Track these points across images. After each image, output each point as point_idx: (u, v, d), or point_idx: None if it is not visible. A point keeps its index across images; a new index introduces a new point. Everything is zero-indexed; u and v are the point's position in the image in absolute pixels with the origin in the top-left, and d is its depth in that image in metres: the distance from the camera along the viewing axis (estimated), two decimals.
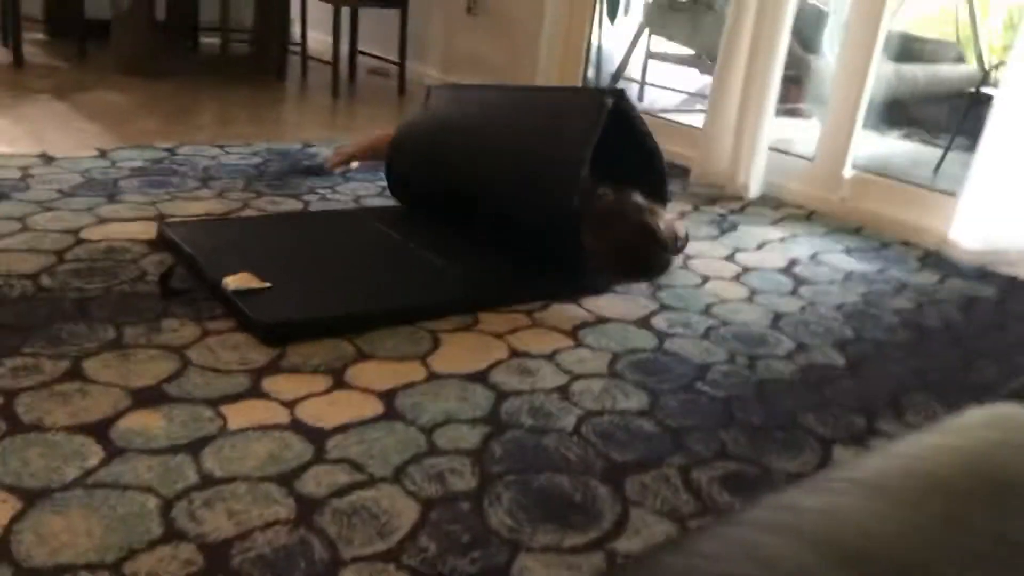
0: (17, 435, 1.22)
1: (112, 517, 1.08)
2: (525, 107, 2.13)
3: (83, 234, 1.96)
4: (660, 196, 2.00)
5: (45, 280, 1.71)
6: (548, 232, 1.91)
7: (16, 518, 1.06)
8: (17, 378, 1.36)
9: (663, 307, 1.91)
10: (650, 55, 4.63)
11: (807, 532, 0.43)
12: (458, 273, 1.90)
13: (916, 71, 4.12)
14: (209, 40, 4.48)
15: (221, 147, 2.81)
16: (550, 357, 1.63)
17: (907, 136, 4.27)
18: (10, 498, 1.09)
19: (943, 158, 3.49)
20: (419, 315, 1.71)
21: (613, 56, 4.45)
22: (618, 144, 1.95)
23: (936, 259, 2.41)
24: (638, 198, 1.87)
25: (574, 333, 1.74)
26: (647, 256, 1.86)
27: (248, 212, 2.23)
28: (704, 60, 4.41)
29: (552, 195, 1.88)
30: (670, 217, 1.91)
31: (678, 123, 3.41)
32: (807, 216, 2.74)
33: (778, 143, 2.91)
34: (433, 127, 2.26)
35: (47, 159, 2.48)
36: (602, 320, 1.81)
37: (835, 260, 2.34)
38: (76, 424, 1.26)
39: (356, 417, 1.35)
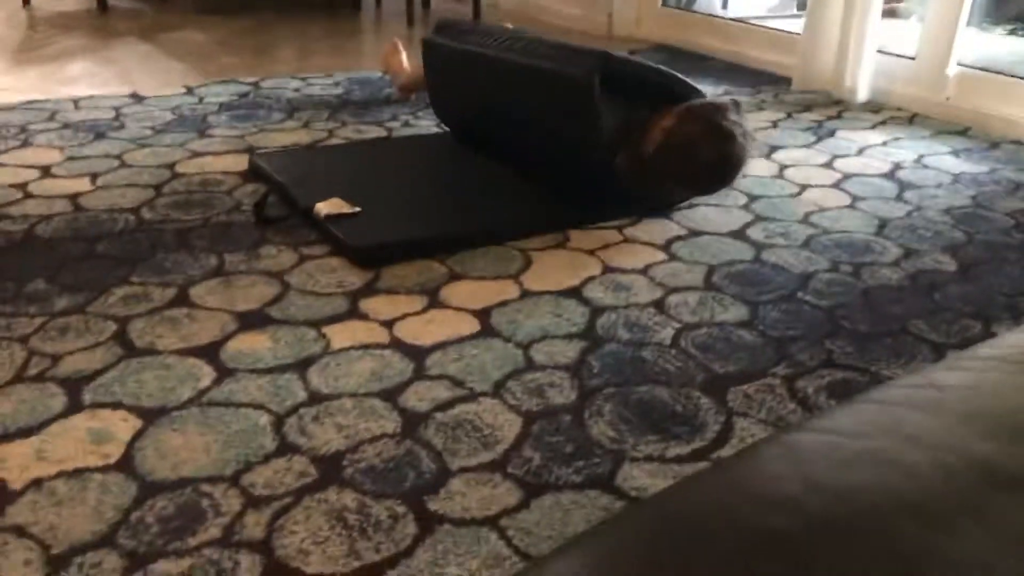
0: (132, 359, 1.27)
1: (227, 433, 1.11)
2: (519, 98, 1.97)
3: (178, 168, 2.01)
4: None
5: (146, 213, 1.76)
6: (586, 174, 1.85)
7: (137, 436, 1.10)
8: (128, 306, 1.41)
9: (758, 218, 1.85)
10: None
11: (953, 407, 0.40)
12: (545, 192, 1.88)
13: None
14: None
15: (303, 79, 2.82)
16: (643, 272, 1.60)
17: (1013, 32, 3.98)
18: (130, 417, 1.14)
19: None
20: (510, 234, 1.70)
21: None
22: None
23: None
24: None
25: (667, 247, 1.70)
26: (724, 155, 1.74)
27: (334, 141, 2.24)
28: None
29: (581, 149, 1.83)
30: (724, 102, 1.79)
31: (770, 29, 3.25)
32: (909, 119, 2.60)
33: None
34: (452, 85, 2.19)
35: (138, 98, 2.53)
36: (695, 233, 1.77)
37: (941, 163, 2.22)
38: (187, 347, 1.30)
39: (453, 335, 1.36)
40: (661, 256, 1.66)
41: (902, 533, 0.33)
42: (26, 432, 1.11)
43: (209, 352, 1.29)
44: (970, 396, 0.41)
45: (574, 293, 1.51)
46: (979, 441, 0.37)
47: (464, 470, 1.07)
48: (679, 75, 1.83)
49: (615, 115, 1.77)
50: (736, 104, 1.77)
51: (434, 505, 1.01)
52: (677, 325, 1.42)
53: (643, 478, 1.06)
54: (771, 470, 0.37)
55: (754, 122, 2.51)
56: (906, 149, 2.32)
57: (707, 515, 0.35)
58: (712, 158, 1.73)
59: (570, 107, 1.79)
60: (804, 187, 2.03)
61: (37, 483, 1.02)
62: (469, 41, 2.06)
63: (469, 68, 2.06)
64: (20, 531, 0.95)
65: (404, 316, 1.41)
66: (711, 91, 2.82)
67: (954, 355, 0.47)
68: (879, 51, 2.75)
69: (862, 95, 2.71)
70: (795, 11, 3.83)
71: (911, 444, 0.37)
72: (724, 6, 4.28)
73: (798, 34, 2.93)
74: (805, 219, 1.85)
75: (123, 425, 1.12)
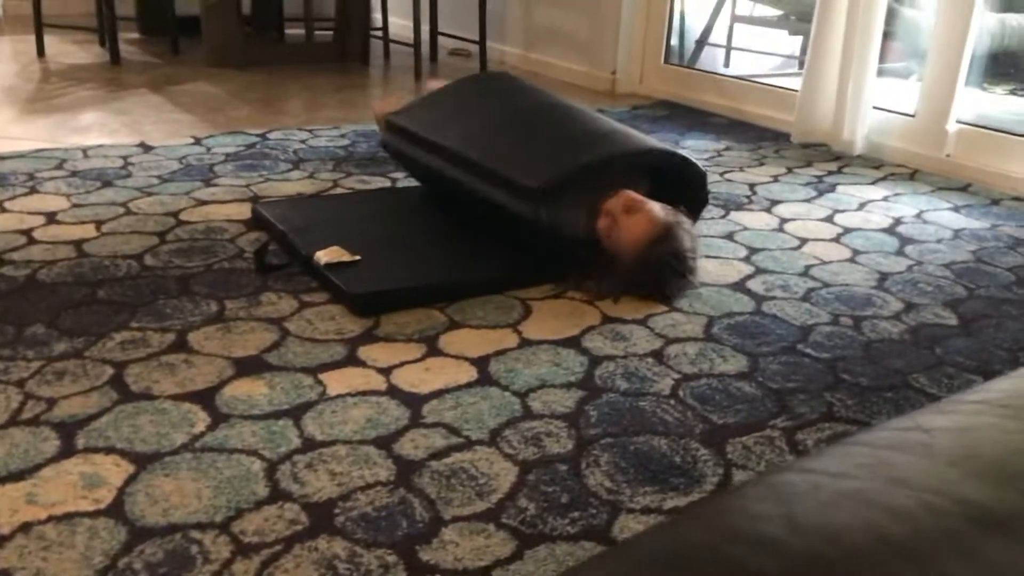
0: (128, 403, 1.26)
1: (219, 479, 1.10)
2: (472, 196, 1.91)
3: (182, 216, 2.02)
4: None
5: (149, 260, 1.77)
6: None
7: (129, 480, 1.09)
8: (126, 351, 1.41)
9: (759, 270, 1.85)
10: (735, 18, 4.50)
11: (942, 450, 0.39)
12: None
13: None
14: (294, 31, 4.56)
15: (310, 131, 2.86)
16: (643, 322, 1.59)
17: (1014, 92, 4.03)
18: (122, 462, 1.13)
19: None
20: (508, 284, 1.70)
21: (697, 23, 4.33)
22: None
23: None
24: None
25: (667, 298, 1.70)
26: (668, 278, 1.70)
27: (338, 191, 2.26)
28: (792, 20, 4.26)
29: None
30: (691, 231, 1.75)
31: (771, 86, 3.30)
32: (910, 175, 2.61)
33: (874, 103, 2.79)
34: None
35: (146, 148, 2.57)
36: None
37: (942, 218, 2.23)
38: (183, 392, 1.29)
39: (451, 383, 1.35)
40: (660, 307, 1.66)
41: (888, 574, 0.33)
42: (18, 476, 1.10)
43: (205, 398, 1.28)
44: (959, 439, 0.41)
45: (573, 342, 1.50)
46: (968, 483, 0.36)
47: (457, 519, 1.05)
48: (621, 147, 1.81)
49: (572, 211, 1.76)
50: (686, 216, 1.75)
51: (426, 555, 0.99)
52: (676, 376, 1.41)
53: (639, 529, 1.04)
54: (755, 510, 0.37)
55: (755, 177, 2.53)
56: (907, 204, 2.33)
57: (690, 554, 0.34)
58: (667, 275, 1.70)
59: (523, 225, 1.77)
60: (804, 240, 2.04)
61: (26, 527, 1.01)
62: (419, 147, 2.02)
63: (427, 169, 2.03)
64: None
65: (402, 363, 1.41)
66: (712, 146, 2.85)
67: (943, 400, 0.47)
68: (880, 108, 2.78)
69: (859, 148, 2.74)
70: (797, 69, 3.88)
71: (898, 485, 0.36)
72: (726, 64, 4.35)
73: (793, 91, 2.96)
74: (805, 272, 1.85)
75: (115, 470, 1.11)
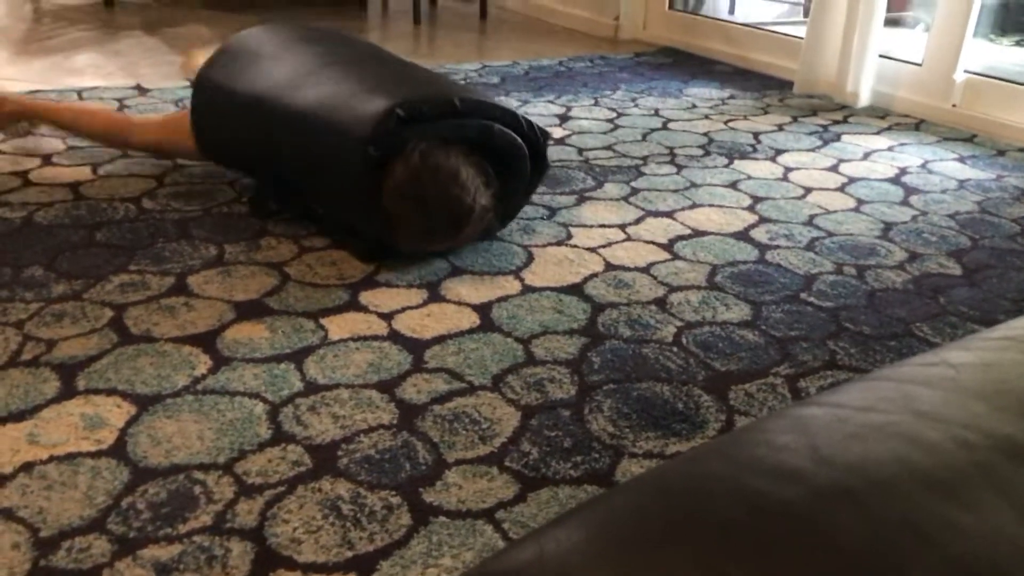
0: (128, 346, 1.25)
1: (222, 421, 1.10)
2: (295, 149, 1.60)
3: (180, 159, 2.00)
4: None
5: (147, 203, 1.75)
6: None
7: (131, 422, 1.09)
8: (125, 293, 1.40)
9: (763, 219, 1.84)
10: None
11: (969, 384, 0.39)
12: None
13: None
14: None
15: None
16: (646, 270, 1.58)
17: (1019, 43, 3.97)
18: (124, 403, 1.13)
19: None
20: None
21: None
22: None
23: None
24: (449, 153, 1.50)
25: (670, 246, 1.69)
26: (446, 204, 1.49)
27: None
28: None
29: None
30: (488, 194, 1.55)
31: (776, 33, 3.24)
32: (916, 125, 2.58)
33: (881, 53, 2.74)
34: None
35: (142, 90, 2.53)
36: (699, 233, 1.75)
37: (948, 168, 2.21)
38: (183, 335, 1.29)
39: (452, 329, 1.35)
40: (664, 255, 1.65)
41: (917, 505, 0.32)
42: (18, 416, 1.09)
43: (206, 340, 1.28)
44: (985, 374, 0.40)
45: (576, 289, 1.49)
46: (996, 417, 0.36)
47: (460, 462, 1.05)
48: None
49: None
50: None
51: (429, 496, 0.99)
52: (679, 323, 1.40)
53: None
54: (777, 442, 0.36)
55: (760, 125, 2.50)
56: (912, 154, 2.31)
57: (710, 486, 0.33)
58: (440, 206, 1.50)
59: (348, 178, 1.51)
60: (809, 189, 2.02)
61: (28, 467, 1.01)
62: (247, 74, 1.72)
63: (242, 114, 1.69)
64: (9, 515, 0.93)
65: (404, 309, 1.40)
66: (717, 95, 2.81)
67: (967, 337, 0.46)
68: (886, 56, 2.74)
69: (864, 100, 2.70)
70: (802, 18, 3.82)
71: (925, 419, 0.36)
72: (731, 11, 4.28)
73: (799, 38, 2.92)
74: (809, 221, 1.84)
75: (117, 411, 1.11)
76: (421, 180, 1.47)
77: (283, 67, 1.68)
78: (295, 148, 1.57)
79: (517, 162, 1.63)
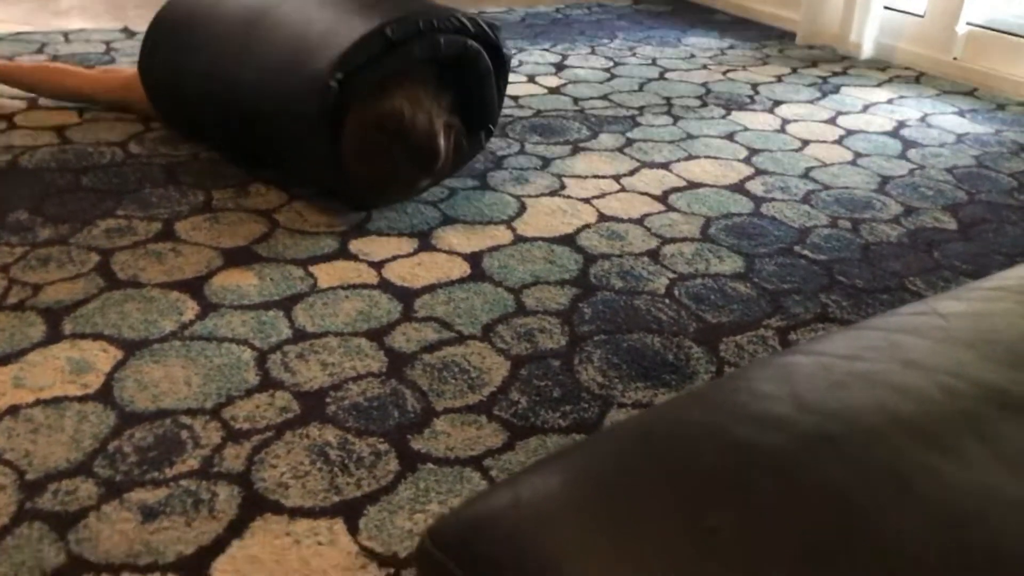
0: (115, 291, 1.24)
1: (209, 367, 1.09)
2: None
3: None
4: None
5: (133, 147, 1.72)
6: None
7: (117, 367, 1.08)
8: (112, 238, 1.38)
9: (759, 171, 1.82)
10: None
11: (958, 334, 0.38)
12: None
13: None
14: None
15: None
16: (639, 221, 1.57)
17: None
18: (110, 348, 1.12)
19: None
20: None
21: None
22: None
23: None
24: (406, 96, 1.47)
25: (664, 198, 1.67)
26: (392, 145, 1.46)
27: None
28: None
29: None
30: (443, 123, 1.51)
31: None
32: (916, 78, 2.55)
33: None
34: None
35: (129, 33, 2.48)
36: (694, 184, 1.74)
37: (947, 122, 2.19)
38: (171, 281, 1.27)
39: (443, 278, 1.34)
40: (658, 207, 1.63)
41: (899, 452, 0.31)
42: (3, 360, 1.09)
43: (193, 287, 1.26)
44: (975, 324, 0.39)
45: (568, 240, 1.48)
46: (985, 366, 0.35)
47: (449, 410, 1.05)
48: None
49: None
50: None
51: (417, 444, 0.99)
52: (672, 275, 1.39)
53: None
54: (761, 390, 0.35)
55: (759, 76, 2.46)
56: (911, 108, 2.28)
57: (693, 433, 0.33)
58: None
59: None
60: (806, 142, 2.00)
61: (14, 410, 1.00)
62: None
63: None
64: None
65: (394, 257, 1.39)
66: (716, 44, 2.76)
67: (959, 287, 0.45)
68: (888, 8, 2.69)
69: (867, 52, 2.66)
70: None
71: (911, 367, 0.35)
72: None
73: None
74: (806, 174, 1.82)
75: (103, 356, 1.10)
76: (369, 138, 1.44)
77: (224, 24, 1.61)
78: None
79: (473, 64, 1.58)
